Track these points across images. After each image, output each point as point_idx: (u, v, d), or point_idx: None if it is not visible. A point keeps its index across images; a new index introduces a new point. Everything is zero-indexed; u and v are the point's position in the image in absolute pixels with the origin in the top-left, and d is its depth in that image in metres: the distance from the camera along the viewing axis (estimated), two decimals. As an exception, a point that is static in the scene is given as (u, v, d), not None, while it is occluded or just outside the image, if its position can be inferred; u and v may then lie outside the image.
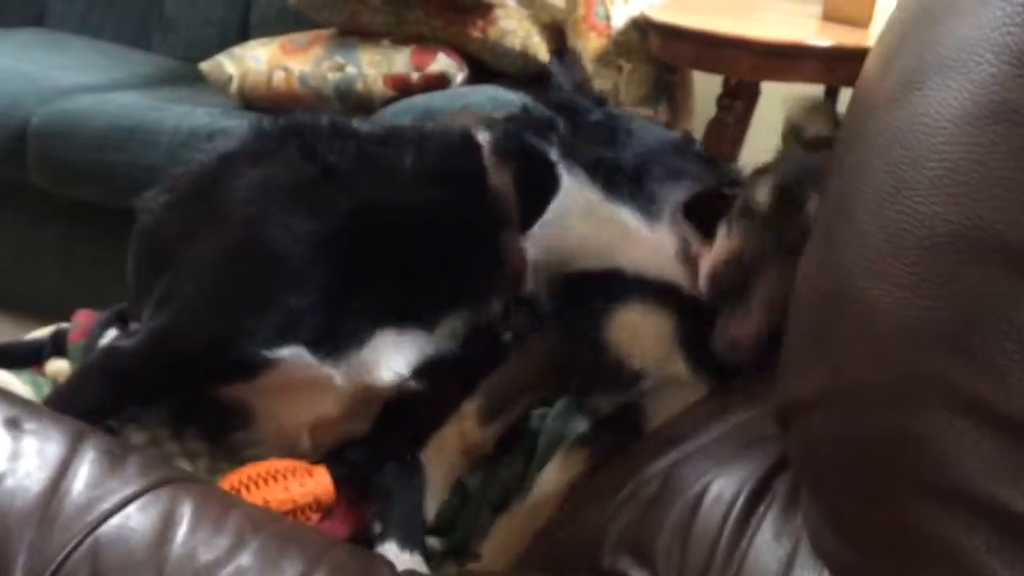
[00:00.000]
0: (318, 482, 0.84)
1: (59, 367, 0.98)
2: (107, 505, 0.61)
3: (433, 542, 0.85)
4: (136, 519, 0.61)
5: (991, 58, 0.47)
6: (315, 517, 0.83)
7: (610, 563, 0.63)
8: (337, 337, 0.82)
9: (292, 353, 0.81)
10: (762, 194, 0.76)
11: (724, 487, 0.61)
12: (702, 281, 0.77)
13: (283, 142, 0.88)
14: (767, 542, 0.56)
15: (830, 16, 1.84)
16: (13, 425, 0.65)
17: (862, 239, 0.51)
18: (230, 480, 0.81)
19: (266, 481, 0.82)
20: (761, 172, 0.82)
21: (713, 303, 0.76)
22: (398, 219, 0.84)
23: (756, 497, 0.60)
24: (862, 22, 1.76)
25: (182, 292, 0.84)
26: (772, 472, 0.61)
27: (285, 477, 0.83)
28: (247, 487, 0.81)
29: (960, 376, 0.45)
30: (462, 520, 0.87)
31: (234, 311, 0.82)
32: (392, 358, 0.83)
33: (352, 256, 0.83)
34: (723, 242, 0.77)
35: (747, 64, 1.65)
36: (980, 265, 0.45)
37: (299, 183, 0.84)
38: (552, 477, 0.84)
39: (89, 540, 0.59)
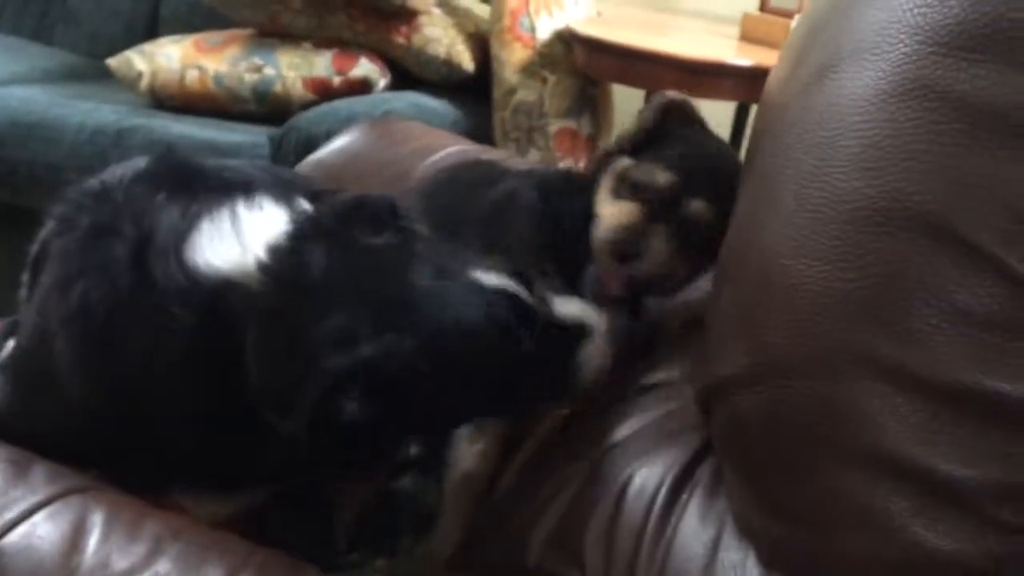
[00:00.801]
0: None
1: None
2: (11, 515, 0.58)
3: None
4: (44, 528, 0.58)
5: (904, 38, 0.49)
6: None
7: (537, 562, 0.63)
8: None
9: None
10: (660, 175, 0.81)
11: (647, 478, 0.61)
12: (599, 244, 0.80)
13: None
14: (692, 528, 0.57)
15: (747, 37, 1.89)
16: None
17: (787, 219, 0.53)
18: None
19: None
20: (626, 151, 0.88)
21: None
22: None
23: (679, 485, 0.60)
24: (778, 44, 1.81)
25: None
26: (694, 461, 0.62)
27: None
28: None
29: (881, 344, 0.46)
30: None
31: None
32: None
33: None
34: (614, 210, 0.81)
35: (670, 80, 1.67)
36: (898, 235, 0.46)
37: None
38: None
39: None
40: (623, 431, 0.68)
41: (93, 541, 0.58)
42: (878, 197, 0.47)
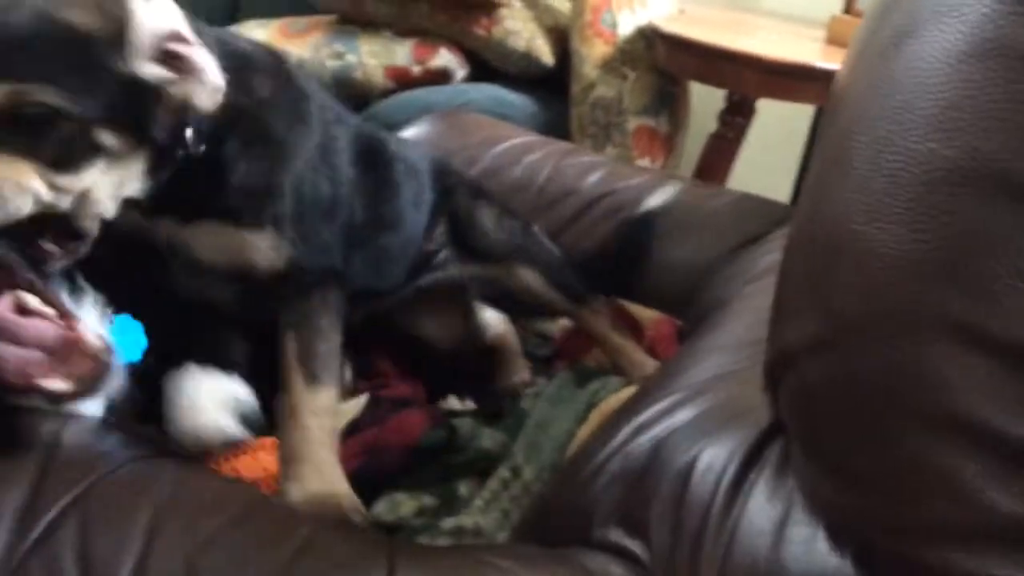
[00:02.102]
0: (269, 453, 0.82)
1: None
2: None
3: (427, 499, 0.83)
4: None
5: (984, -1, 0.48)
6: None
7: (600, 535, 0.63)
8: None
9: None
10: None
11: (714, 457, 0.62)
12: None
13: None
14: (760, 505, 0.57)
15: (834, 40, 1.85)
16: None
17: (860, 184, 0.53)
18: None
19: (236, 455, 0.80)
20: None
21: None
22: None
23: (747, 465, 0.60)
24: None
25: None
26: (761, 441, 0.61)
27: (256, 450, 0.82)
28: (217, 461, 0.80)
29: (956, 305, 0.46)
30: (452, 470, 0.87)
31: None
32: None
33: None
34: None
35: (755, 81, 1.65)
36: (976, 195, 0.46)
37: None
38: None
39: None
40: (687, 413, 0.68)
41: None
42: (956, 158, 0.47)
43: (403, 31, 1.86)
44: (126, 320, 0.81)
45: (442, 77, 1.84)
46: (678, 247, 1.20)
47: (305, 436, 0.75)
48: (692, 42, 1.69)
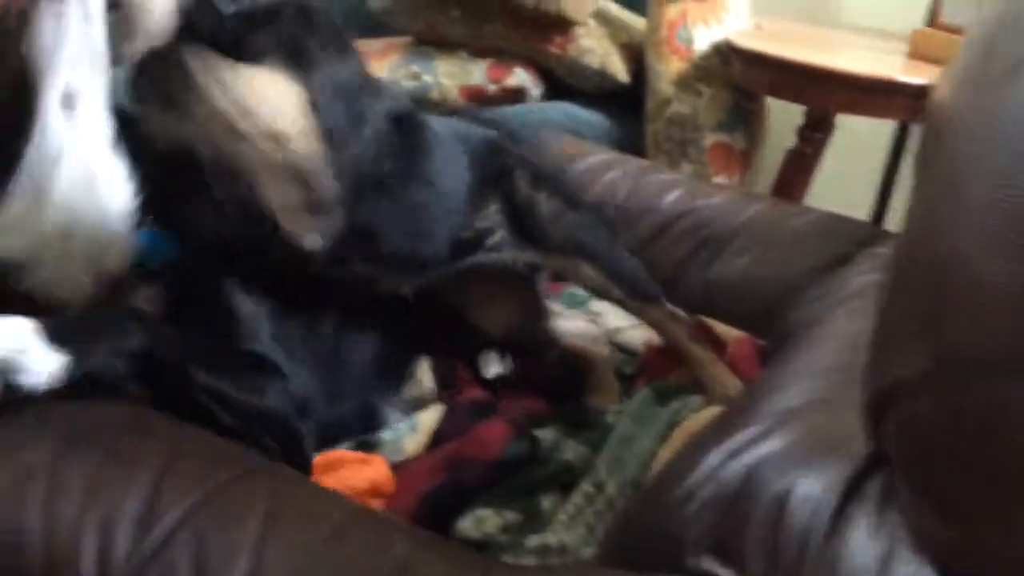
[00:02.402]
0: (375, 469, 0.85)
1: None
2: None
3: (511, 515, 0.83)
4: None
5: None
6: (376, 503, 0.83)
7: (693, 562, 0.63)
8: None
9: None
10: None
11: (811, 487, 0.61)
12: None
13: None
14: (862, 540, 0.56)
15: (917, 54, 1.81)
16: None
17: (977, 217, 0.51)
18: None
19: (322, 471, 0.83)
20: None
21: None
22: None
23: (846, 498, 0.59)
24: (949, 61, 1.73)
25: None
26: (861, 475, 0.61)
27: (339, 467, 0.84)
28: (322, 472, 0.82)
29: None
30: (535, 484, 0.87)
31: None
32: None
33: None
34: None
35: (836, 97, 1.62)
36: None
37: None
38: None
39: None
40: (779, 440, 0.67)
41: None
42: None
43: (478, 51, 1.88)
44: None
45: (517, 96, 1.85)
46: (760, 266, 1.19)
47: None
48: (770, 57, 1.67)
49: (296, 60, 0.81)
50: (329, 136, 0.81)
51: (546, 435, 0.92)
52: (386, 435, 0.93)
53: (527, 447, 0.90)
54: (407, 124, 0.96)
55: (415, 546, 0.61)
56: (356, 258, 0.90)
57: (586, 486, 0.86)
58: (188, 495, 0.60)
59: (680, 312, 1.11)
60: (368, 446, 0.91)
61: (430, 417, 0.97)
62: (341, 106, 0.85)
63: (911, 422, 0.55)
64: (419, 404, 1.00)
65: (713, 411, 0.94)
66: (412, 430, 0.94)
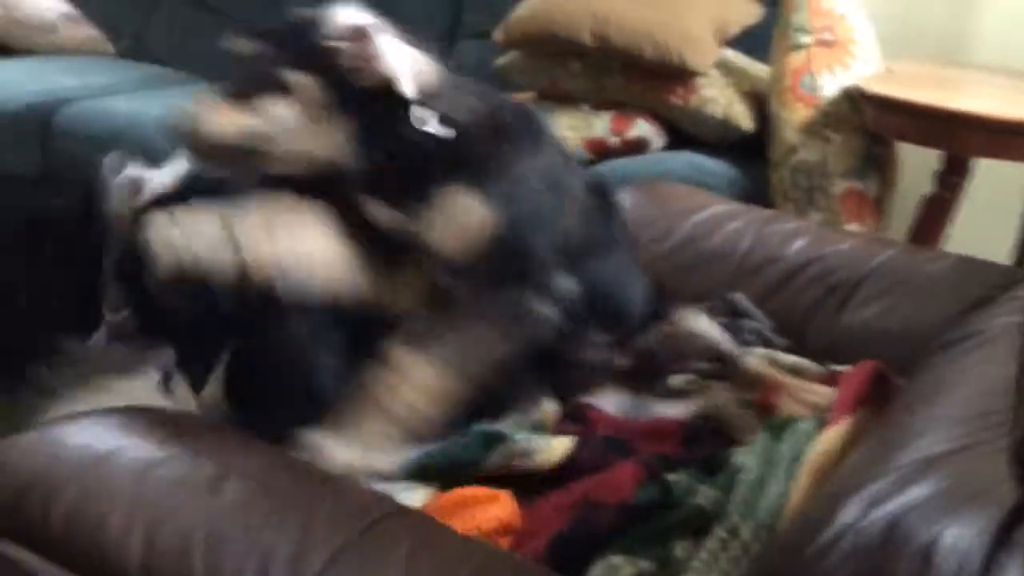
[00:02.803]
0: (502, 507, 0.85)
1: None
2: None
3: (644, 563, 0.81)
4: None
5: None
6: (504, 541, 0.83)
7: None
8: None
9: None
10: None
11: (959, 537, 0.58)
12: None
13: None
14: None
15: (1056, 91, 1.73)
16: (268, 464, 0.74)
17: None
18: None
19: (451, 512, 0.84)
20: None
21: None
22: None
23: (996, 547, 0.56)
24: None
25: None
26: (1009, 523, 0.57)
27: (469, 505, 0.85)
28: (452, 512, 0.83)
29: None
30: (667, 531, 0.85)
31: None
32: None
33: None
34: None
35: (975, 141, 1.57)
36: None
37: None
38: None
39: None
40: (922, 489, 0.65)
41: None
42: None
43: (600, 104, 1.91)
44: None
45: (640, 147, 1.86)
46: (893, 312, 1.15)
47: None
48: (903, 103, 1.63)
49: (487, 173, 0.94)
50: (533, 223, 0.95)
51: (679, 479, 0.91)
52: (520, 439, 0.93)
53: (659, 492, 0.88)
54: (601, 190, 1.09)
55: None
56: (592, 322, 1.02)
57: (720, 531, 0.84)
58: (335, 537, 0.64)
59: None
60: (495, 441, 0.92)
61: (563, 443, 0.96)
62: (541, 192, 0.98)
63: None
64: (540, 428, 1.00)
65: (831, 436, 0.92)
66: (547, 445, 0.94)
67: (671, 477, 0.90)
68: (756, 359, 1.11)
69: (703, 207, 1.38)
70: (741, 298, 1.21)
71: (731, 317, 1.18)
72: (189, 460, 0.74)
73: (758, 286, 1.23)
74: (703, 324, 1.14)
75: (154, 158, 2.11)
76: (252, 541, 0.65)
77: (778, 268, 1.26)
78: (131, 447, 0.76)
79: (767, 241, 1.30)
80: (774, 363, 1.12)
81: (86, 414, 0.84)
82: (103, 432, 0.79)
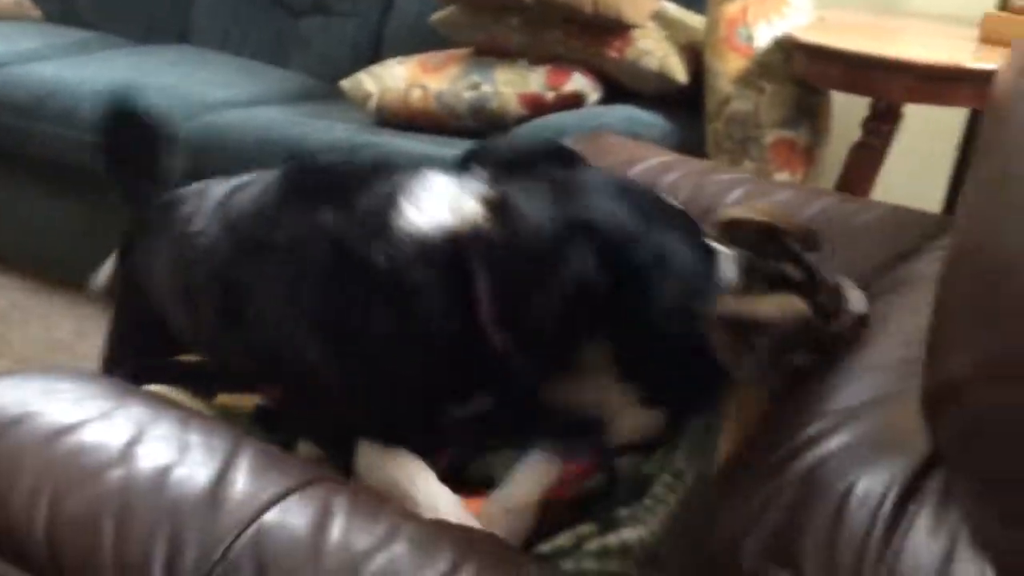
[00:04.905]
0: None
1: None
2: (267, 496, 0.65)
3: (585, 527, 0.82)
4: (296, 508, 0.65)
5: None
6: None
7: (750, 566, 0.62)
8: None
9: None
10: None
11: (870, 486, 0.59)
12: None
13: None
14: (922, 540, 0.54)
15: (988, 39, 1.75)
16: (183, 424, 0.73)
17: None
18: None
19: None
20: None
21: None
22: None
23: (906, 497, 0.58)
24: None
25: None
26: (920, 472, 0.59)
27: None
28: None
29: None
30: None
31: None
32: None
33: None
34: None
35: (904, 87, 1.58)
36: None
37: None
38: None
39: (254, 526, 0.63)
40: (840, 439, 0.66)
41: (338, 522, 0.64)
42: None
43: (537, 59, 1.89)
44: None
45: (575, 101, 1.85)
46: (826, 262, 1.17)
47: None
48: (835, 51, 1.64)
49: None
50: None
51: (622, 461, 0.90)
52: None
53: (605, 478, 0.89)
54: None
55: (468, 551, 0.63)
56: None
57: (666, 476, 0.85)
58: (254, 501, 0.64)
59: None
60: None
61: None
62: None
63: (971, 420, 0.54)
64: None
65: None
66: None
67: (617, 463, 0.90)
68: None
69: (642, 159, 1.37)
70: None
71: None
72: (104, 424, 0.72)
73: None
74: None
75: (80, 125, 2.05)
76: (164, 509, 0.65)
77: (715, 219, 1.26)
78: (47, 412, 0.73)
79: (704, 192, 1.29)
80: None
81: (9, 375, 0.82)
82: (21, 395, 0.76)
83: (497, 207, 0.81)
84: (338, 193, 0.85)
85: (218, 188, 0.99)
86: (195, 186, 1.05)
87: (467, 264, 0.79)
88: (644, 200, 0.87)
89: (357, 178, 0.87)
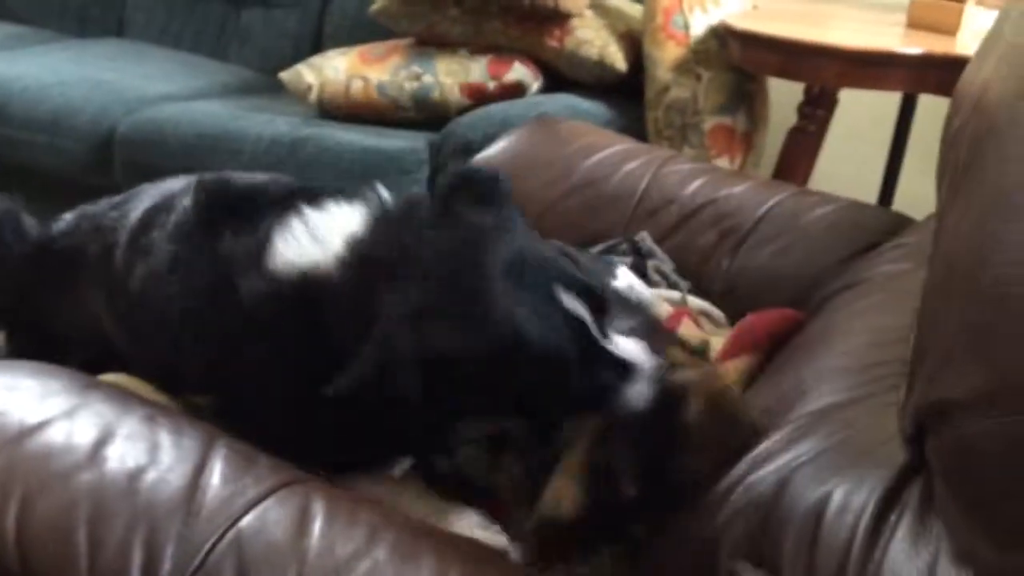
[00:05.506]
0: None
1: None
2: (245, 499, 0.63)
3: None
4: (274, 512, 0.63)
5: None
6: None
7: (728, 569, 0.63)
8: None
9: None
10: None
11: (849, 495, 0.60)
12: None
13: None
14: (903, 551, 0.55)
15: (915, 24, 1.80)
16: (151, 421, 0.69)
17: None
18: None
19: None
20: None
21: None
22: None
23: (886, 506, 0.58)
24: (949, 30, 1.72)
25: None
26: (900, 481, 0.59)
27: None
28: None
29: None
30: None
31: None
32: None
33: None
34: None
35: (834, 72, 1.62)
36: None
37: None
38: None
39: (232, 532, 0.61)
40: (812, 444, 0.66)
41: (318, 527, 0.63)
42: None
43: (478, 48, 1.89)
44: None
45: (517, 91, 1.86)
46: (784, 256, 1.16)
47: None
48: (767, 37, 1.67)
49: None
50: None
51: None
52: None
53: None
54: None
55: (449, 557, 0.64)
56: None
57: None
58: (231, 506, 0.63)
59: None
60: None
61: None
62: None
63: (963, 441, 0.54)
64: None
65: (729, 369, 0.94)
66: None
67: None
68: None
69: (601, 147, 1.37)
70: (645, 237, 1.20)
71: (635, 257, 1.17)
72: (70, 424, 0.69)
73: (656, 227, 1.23)
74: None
75: (11, 121, 2.00)
76: (139, 515, 0.62)
77: (674, 210, 1.25)
78: (11, 410, 0.70)
79: (664, 182, 1.29)
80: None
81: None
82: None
83: (355, 251, 0.78)
84: (241, 224, 0.85)
85: (134, 214, 0.97)
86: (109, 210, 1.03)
87: (316, 306, 0.78)
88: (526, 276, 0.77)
89: (263, 206, 0.86)
